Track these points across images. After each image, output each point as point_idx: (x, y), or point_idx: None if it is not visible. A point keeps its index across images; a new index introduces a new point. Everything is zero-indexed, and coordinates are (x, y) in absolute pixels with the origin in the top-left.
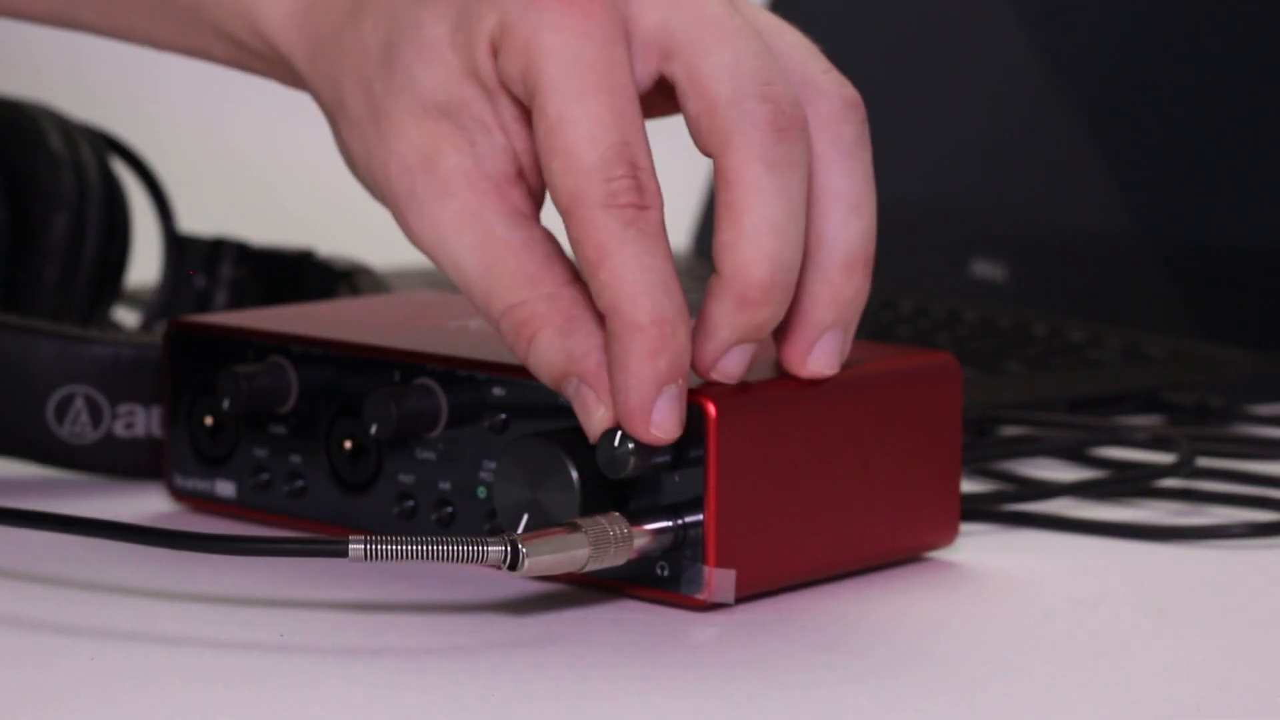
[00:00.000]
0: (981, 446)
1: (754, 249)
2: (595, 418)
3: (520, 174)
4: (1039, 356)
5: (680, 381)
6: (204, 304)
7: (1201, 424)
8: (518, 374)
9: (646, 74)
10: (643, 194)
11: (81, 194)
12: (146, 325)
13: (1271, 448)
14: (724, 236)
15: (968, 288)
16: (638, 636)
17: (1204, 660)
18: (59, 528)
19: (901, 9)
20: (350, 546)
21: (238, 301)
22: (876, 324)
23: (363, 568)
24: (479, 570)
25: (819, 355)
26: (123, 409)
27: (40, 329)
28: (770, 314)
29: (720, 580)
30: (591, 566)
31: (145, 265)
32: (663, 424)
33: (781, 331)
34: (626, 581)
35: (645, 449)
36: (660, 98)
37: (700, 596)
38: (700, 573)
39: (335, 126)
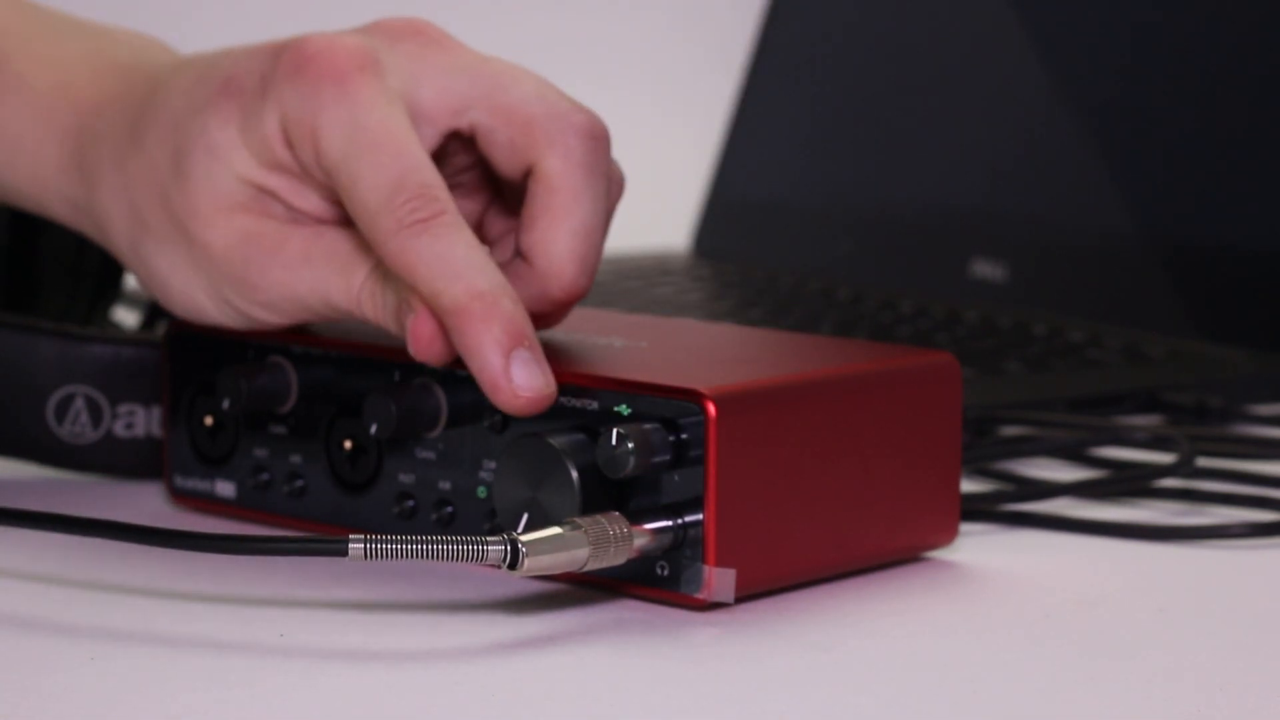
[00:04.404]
0: (981, 446)
1: (569, 250)
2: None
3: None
4: (1039, 356)
5: (527, 344)
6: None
7: (1201, 424)
8: None
9: (436, 135)
10: (432, 203)
11: None
12: (146, 325)
13: (1271, 448)
14: (542, 235)
15: (968, 288)
16: (638, 636)
17: (1204, 660)
18: (59, 528)
19: (902, 10)
20: (350, 546)
21: None
22: (876, 324)
23: (363, 568)
24: (479, 570)
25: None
26: (123, 409)
27: (40, 329)
28: (567, 310)
29: (720, 580)
30: (591, 566)
31: None
32: (526, 384)
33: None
34: (626, 581)
35: (645, 449)
36: (453, 153)
37: (700, 596)
38: (700, 572)
39: (136, 246)
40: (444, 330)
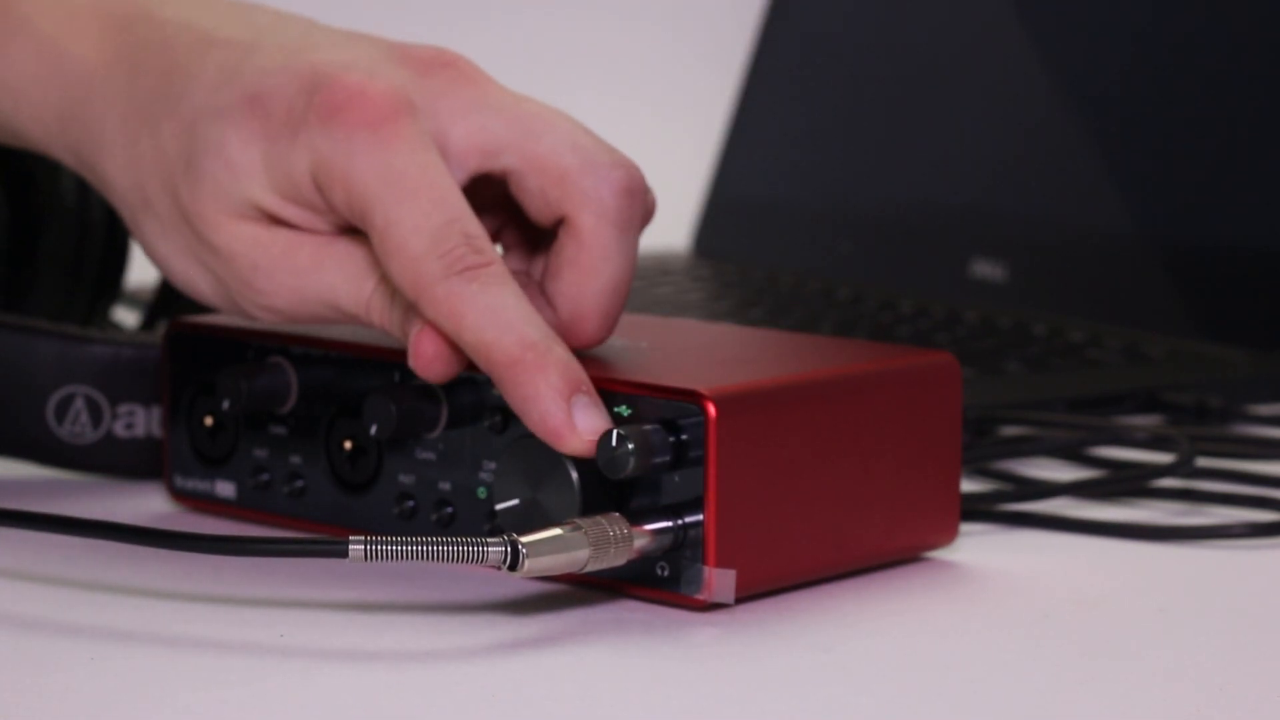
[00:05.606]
0: (981, 446)
1: (595, 306)
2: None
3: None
4: (1039, 356)
5: (584, 389)
6: (204, 304)
7: (1201, 424)
8: None
9: (464, 175)
10: (480, 254)
11: (81, 194)
12: (146, 325)
13: (1271, 448)
14: (569, 288)
15: (968, 288)
16: (638, 636)
17: (1204, 660)
18: (59, 528)
19: (901, 10)
20: (350, 546)
21: None
22: (876, 324)
23: (363, 568)
24: (479, 570)
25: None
26: (123, 409)
27: (40, 329)
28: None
29: (720, 580)
30: (591, 567)
31: (145, 265)
32: (590, 429)
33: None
34: (626, 581)
35: (645, 449)
36: (479, 190)
37: (700, 596)
38: (700, 573)
39: (138, 220)
40: (447, 349)
